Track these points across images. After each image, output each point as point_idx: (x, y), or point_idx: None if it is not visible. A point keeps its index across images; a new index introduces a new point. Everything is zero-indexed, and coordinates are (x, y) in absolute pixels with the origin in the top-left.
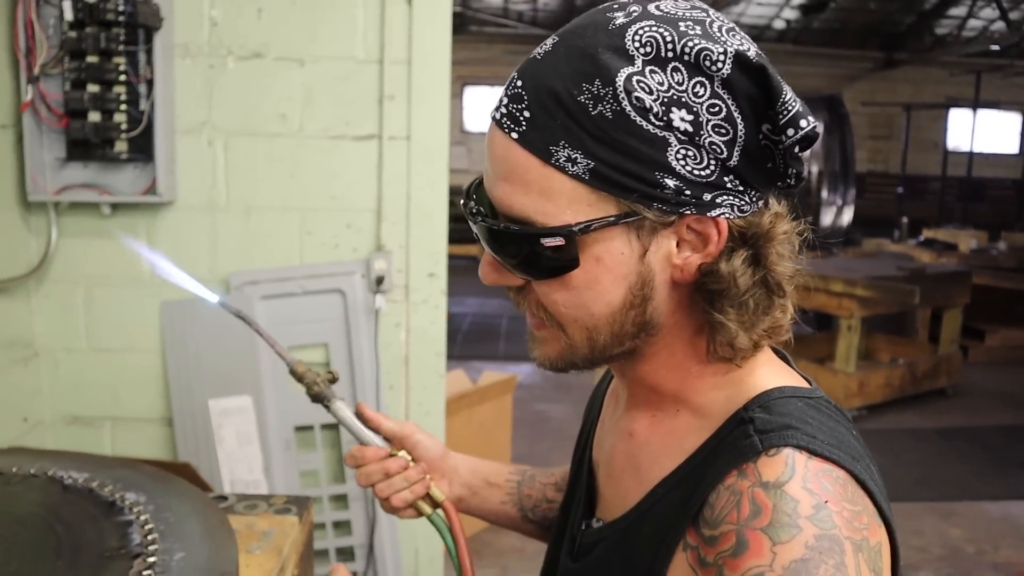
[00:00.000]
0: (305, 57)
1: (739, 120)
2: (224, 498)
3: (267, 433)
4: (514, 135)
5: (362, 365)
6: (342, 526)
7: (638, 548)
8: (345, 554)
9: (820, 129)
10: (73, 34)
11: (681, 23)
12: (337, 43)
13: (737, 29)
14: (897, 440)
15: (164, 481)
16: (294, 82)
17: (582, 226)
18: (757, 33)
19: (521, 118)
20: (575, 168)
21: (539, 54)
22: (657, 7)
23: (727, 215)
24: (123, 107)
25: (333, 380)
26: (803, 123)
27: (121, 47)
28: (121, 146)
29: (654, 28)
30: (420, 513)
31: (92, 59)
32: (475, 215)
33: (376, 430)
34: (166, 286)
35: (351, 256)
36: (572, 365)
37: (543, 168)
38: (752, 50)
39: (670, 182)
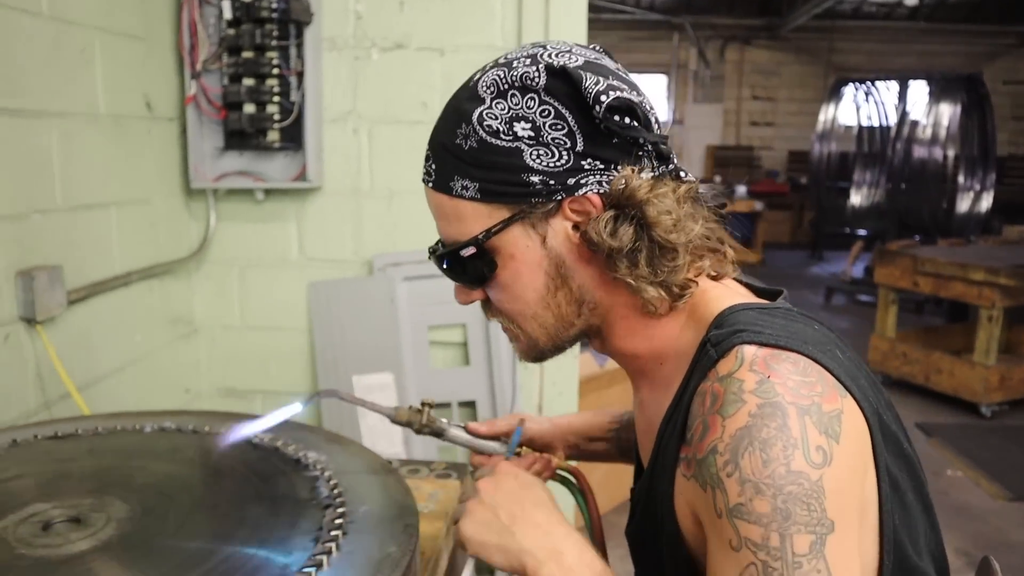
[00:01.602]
0: (445, 47)
1: (567, 115)
2: (388, 462)
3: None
4: (430, 184)
5: (499, 344)
6: None
7: (659, 487)
8: None
9: (627, 94)
10: (231, 31)
11: (515, 62)
12: (476, 32)
13: (574, 51)
14: None
15: (339, 443)
16: (434, 71)
17: (484, 233)
18: (887, 11)
19: (431, 171)
20: (469, 192)
21: (435, 125)
22: (504, 57)
23: (595, 190)
24: (276, 99)
25: (432, 406)
26: (603, 98)
27: (274, 42)
28: (273, 135)
29: (495, 72)
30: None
31: (248, 54)
32: (432, 253)
33: (493, 437)
34: (313, 267)
35: None
36: (541, 353)
37: (451, 200)
38: (562, 61)
39: (535, 178)
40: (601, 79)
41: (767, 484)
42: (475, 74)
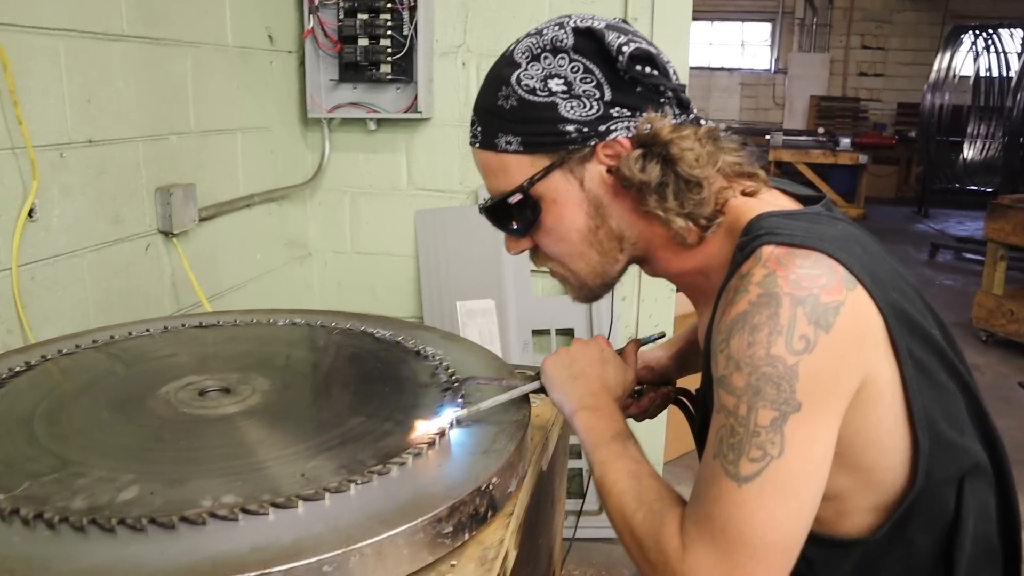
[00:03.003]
0: None
1: (595, 68)
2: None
3: (507, 334)
4: (476, 145)
5: None
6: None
7: (707, 381)
8: (572, 454)
9: (645, 46)
10: None
11: (545, 29)
12: None
13: (596, 17)
14: None
15: (453, 340)
16: (543, 5)
17: (528, 181)
18: None
19: (477, 133)
20: (513, 146)
21: (478, 94)
22: (535, 28)
23: (624, 134)
24: (388, 32)
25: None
26: (624, 49)
27: None
28: (386, 68)
29: (528, 40)
30: None
31: None
32: (481, 211)
33: None
34: (421, 196)
35: None
36: (592, 291)
37: (497, 156)
38: (586, 23)
39: (570, 127)
40: (622, 35)
41: (745, 363)
42: (510, 46)
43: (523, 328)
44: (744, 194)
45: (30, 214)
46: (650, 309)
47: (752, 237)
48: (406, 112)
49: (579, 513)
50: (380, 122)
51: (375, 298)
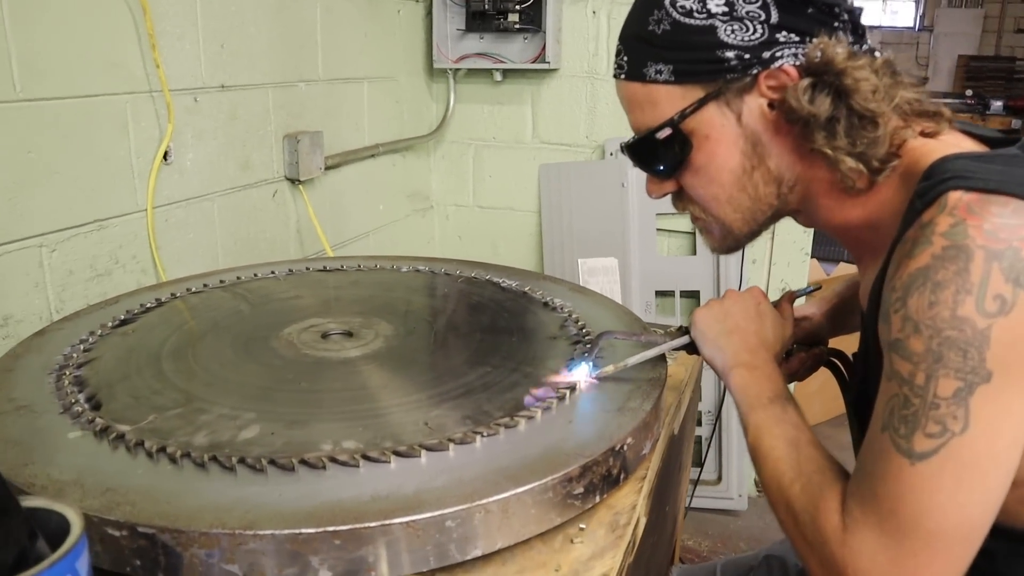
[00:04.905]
0: None
1: None
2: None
3: (629, 294)
4: (622, 76)
5: None
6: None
7: (872, 343)
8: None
9: None
10: None
11: None
12: None
13: None
14: None
15: (581, 292)
16: None
17: (678, 114)
18: None
19: (623, 63)
20: (663, 76)
21: (625, 21)
22: None
23: (791, 62)
24: None
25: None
26: None
27: None
28: (513, 17)
29: None
30: None
31: None
32: (623, 148)
33: None
34: (546, 150)
35: None
36: (737, 240)
37: (644, 87)
38: None
39: (730, 54)
40: None
41: (926, 325)
42: None
43: (646, 289)
44: (923, 135)
45: (165, 157)
46: (782, 273)
47: (936, 182)
48: (533, 63)
49: (696, 482)
50: (506, 73)
51: (496, 253)
